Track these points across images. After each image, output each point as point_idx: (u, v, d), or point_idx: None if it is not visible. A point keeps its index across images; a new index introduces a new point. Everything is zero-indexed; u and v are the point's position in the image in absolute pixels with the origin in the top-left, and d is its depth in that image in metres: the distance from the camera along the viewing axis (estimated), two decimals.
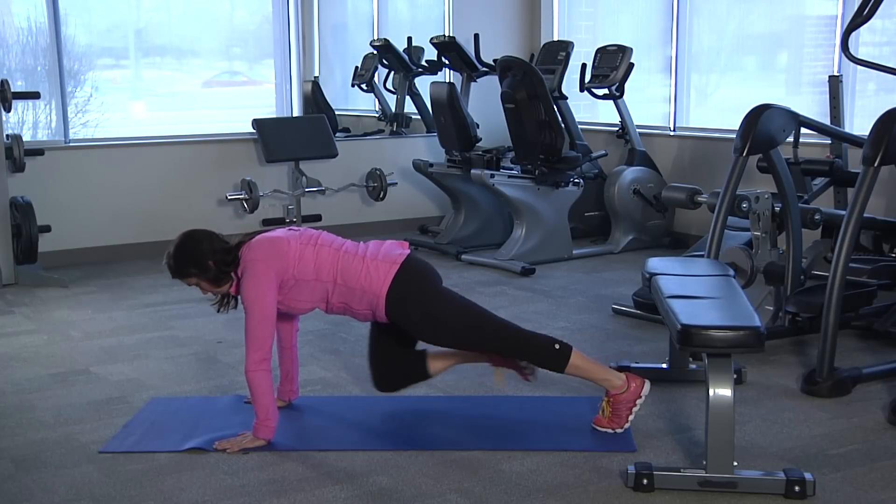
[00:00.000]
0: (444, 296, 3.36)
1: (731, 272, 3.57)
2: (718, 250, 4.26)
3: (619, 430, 3.33)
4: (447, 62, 7.36)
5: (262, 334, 3.20)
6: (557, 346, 3.30)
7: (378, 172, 7.00)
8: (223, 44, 7.58)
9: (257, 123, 6.74)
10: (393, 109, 7.89)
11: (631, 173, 6.59)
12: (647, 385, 3.36)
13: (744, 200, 4.33)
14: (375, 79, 7.91)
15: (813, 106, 5.89)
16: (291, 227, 3.45)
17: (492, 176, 6.14)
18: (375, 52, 7.71)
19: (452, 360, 3.54)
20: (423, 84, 7.39)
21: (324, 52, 8.12)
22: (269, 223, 6.59)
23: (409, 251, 3.36)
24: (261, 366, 3.20)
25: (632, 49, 6.52)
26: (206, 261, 3.26)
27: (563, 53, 6.76)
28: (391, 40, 7.61)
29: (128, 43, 7.19)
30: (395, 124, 7.86)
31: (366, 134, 7.88)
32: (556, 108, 6.22)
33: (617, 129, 6.90)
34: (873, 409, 3.56)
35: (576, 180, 6.33)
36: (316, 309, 3.40)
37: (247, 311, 3.22)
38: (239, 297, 3.32)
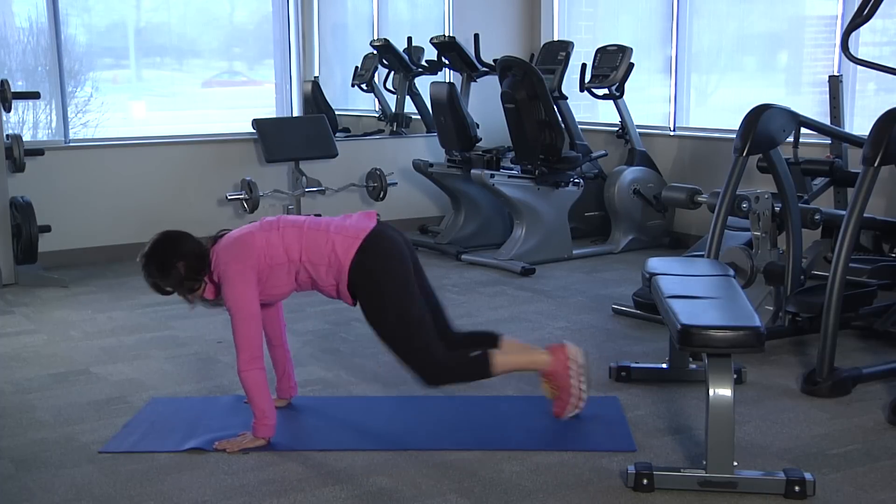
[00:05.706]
0: (399, 278, 3.27)
1: (731, 272, 3.58)
2: (718, 250, 4.26)
3: (581, 404, 3.39)
4: (447, 62, 7.35)
5: (249, 334, 3.21)
6: (474, 355, 3.29)
7: (378, 172, 7.00)
8: (223, 44, 7.57)
9: (257, 123, 6.75)
10: (393, 109, 7.89)
11: (631, 173, 6.58)
12: (571, 346, 3.38)
13: (744, 200, 4.33)
14: (375, 79, 7.91)
15: (813, 106, 5.89)
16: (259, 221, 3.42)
17: (492, 176, 6.14)
18: (375, 52, 7.71)
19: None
20: (423, 84, 7.39)
21: (324, 52, 8.12)
22: None
23: (375, 223, 3.32)
24: (251, 365, 3.20)
25: (632, 49, 6.52)
26: (174, 265, 3.25)
27: (563, 53, 6.76)
28: (391, 40, 7.60)
29: (128, 43, 7.18)
30: (395, 124, 7.86)
31: (366, 134, 7.88)
32: (556, 108, 6.22)
33: (617, 129, 6.90)
34: (873, 409, 3.56)
35: (576, 180, 6.33)
36: (293, 292, 3.39)
37: (230, 314, 3.24)
38: (207, 298, 3.35)
